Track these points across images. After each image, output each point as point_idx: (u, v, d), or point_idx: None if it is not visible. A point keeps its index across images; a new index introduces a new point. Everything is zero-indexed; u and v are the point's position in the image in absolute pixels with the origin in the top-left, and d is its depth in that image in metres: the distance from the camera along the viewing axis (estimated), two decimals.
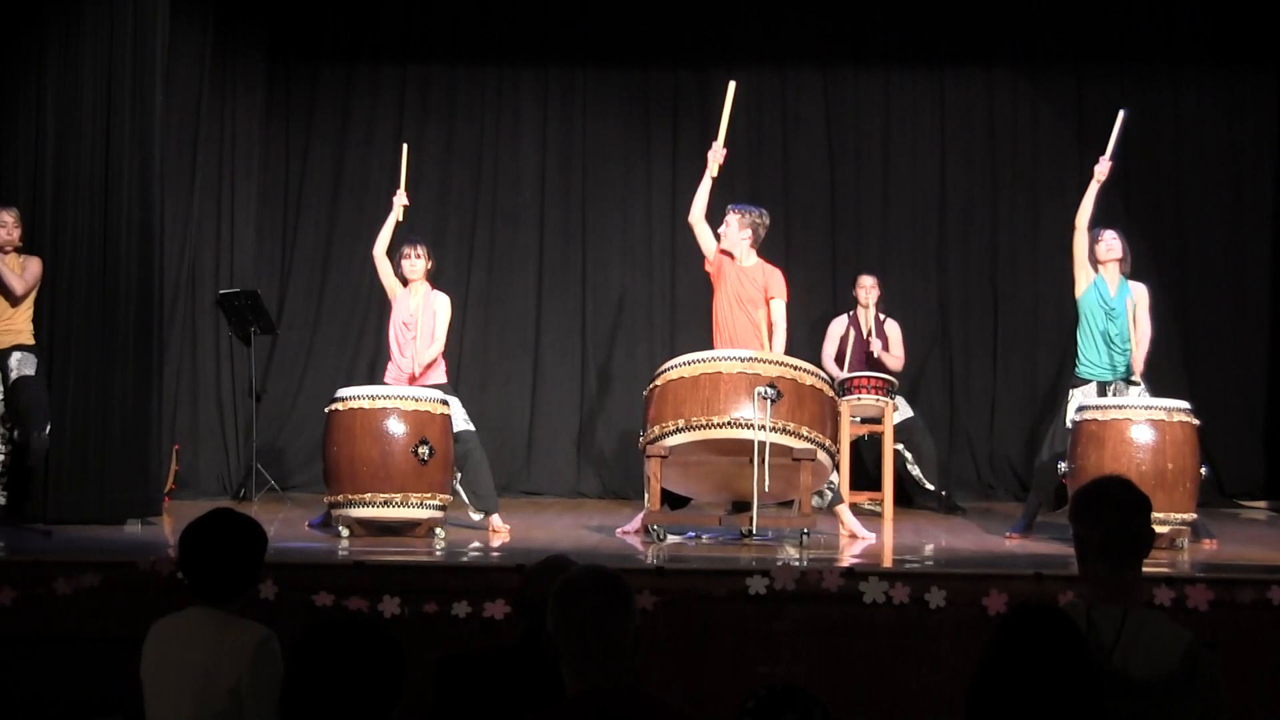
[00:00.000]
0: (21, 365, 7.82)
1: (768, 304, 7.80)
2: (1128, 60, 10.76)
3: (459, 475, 7.82)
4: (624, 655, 2.79)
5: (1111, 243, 7.76)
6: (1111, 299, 7.71)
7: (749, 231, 7.85)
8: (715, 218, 7.99)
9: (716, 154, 7.92)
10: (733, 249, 7.86)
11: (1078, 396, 7.61)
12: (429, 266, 8.13)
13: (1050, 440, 7.91)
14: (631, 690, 2.78)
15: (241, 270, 10.40)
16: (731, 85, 7.95)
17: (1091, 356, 7.76)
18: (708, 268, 7.96)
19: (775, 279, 7.85)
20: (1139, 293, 7.77)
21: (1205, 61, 10.79)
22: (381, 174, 10.86)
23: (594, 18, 10.93)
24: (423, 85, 11.01)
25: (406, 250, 8.11)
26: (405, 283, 8.15)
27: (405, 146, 8.66)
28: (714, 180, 7.96)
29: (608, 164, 11.02)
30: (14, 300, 7.82)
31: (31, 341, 7.91)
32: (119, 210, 8.05)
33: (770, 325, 7.77)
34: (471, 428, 8.02)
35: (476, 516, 7.86)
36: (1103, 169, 7.81)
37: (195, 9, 9.47)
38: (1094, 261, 7.78)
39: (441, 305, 8.10)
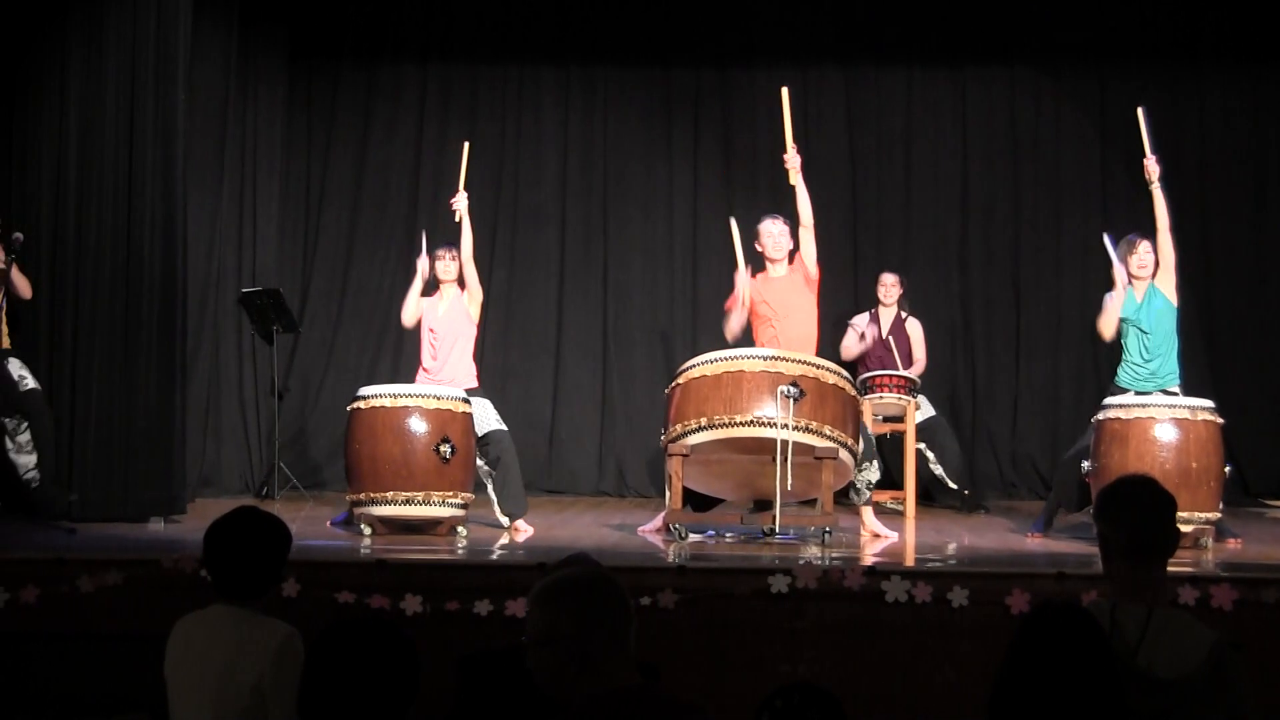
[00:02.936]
0: (24, 373, 7.82)
1: (804, 266, 7.73)
2: (1150, 58, 10.70)
3: (491, 476, 7.84)
4: (627, 654, 2.78)
5: (1145, 258, 7.61)
6: (1139, 309, 7.62)
7: (789, 237, 7.85)
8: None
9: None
10: (781, 254, 7.81)
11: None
12: (461, 270, 8.18)
13: (1078, 442, 7.86)
14: (648, 689, 2.78)
15: (263, 269, 10.43)
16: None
17: (1128, 367, 7.71)
18: (738, 306, 7.84)
19: (806, 252, 7.78)
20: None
21: (1229, 60, 10.72)
22: (403, 173, 10.90)
23: (615, 17, 10.93)
24: (443, 85, 11.01)
25: (441, 253, 8.19)
26: (435, 287, 8.20)
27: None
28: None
29: (629, 163, 11.01)
30: None
31: (5, 345, 7.92)
32: (142, 208, 8.08)
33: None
34: (504, 428, 8.03)
35: (505, 521, 7.86)
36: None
37: (218, 10, 9.50)
38: (1126, 274, 7.67)
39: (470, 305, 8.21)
